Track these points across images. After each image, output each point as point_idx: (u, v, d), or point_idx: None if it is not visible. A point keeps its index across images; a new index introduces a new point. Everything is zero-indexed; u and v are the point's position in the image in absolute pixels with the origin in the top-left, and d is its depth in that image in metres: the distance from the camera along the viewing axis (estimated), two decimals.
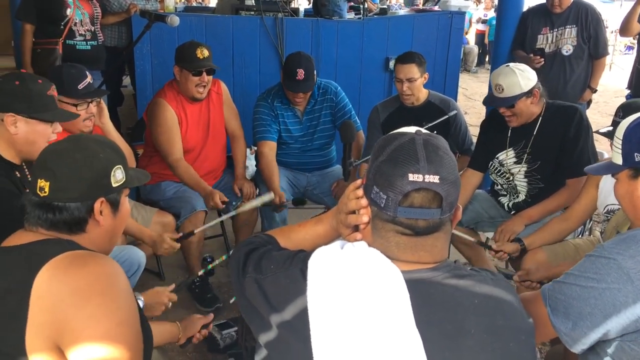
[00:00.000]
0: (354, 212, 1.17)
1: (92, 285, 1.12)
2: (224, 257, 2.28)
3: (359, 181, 1.17)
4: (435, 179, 1.02)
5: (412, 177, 1.02)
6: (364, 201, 1.12)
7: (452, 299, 1.04)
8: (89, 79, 2.31)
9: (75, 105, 2.25)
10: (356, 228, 1.18)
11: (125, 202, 1.36)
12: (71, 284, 1.11)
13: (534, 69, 2.57)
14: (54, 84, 1.95)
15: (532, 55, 3.76)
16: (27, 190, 1.78)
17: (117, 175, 1.30)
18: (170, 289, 1.96)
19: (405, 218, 1.04)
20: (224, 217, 2.75)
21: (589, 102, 4.03)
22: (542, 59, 3.73)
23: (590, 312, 1.21)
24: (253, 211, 3.10)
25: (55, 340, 1.09)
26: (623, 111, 2.12)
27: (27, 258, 1.17)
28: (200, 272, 2.44)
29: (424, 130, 1.10)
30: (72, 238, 1.26)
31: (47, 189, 1.23)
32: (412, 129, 1.10)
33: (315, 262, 1.07)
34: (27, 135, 1.78)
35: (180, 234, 2.53)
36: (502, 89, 2.45)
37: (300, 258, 1.12)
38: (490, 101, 2.58)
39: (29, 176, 1.89)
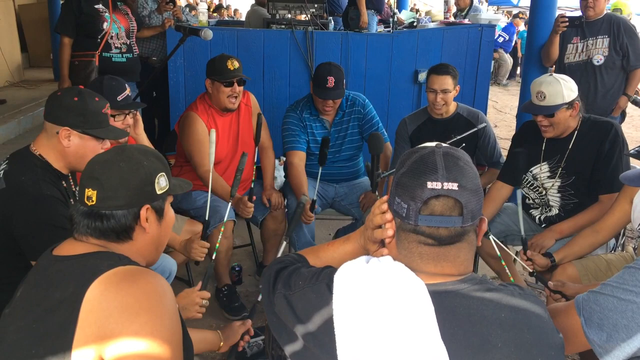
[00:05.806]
0: (380, 227, 1.18)
1: (141, 302, 1.13)
2: (222, 228, 2.51)
3: (385, 197, 1.18)
4: (454, 186, 1.03)
5: (430, 184, 1.03)
6: (388, 215, 1.13)
7: (477, 312, 1.04)
8: (127, 92, 2.40)
9: (113, 116, 2.32)
10: (383, 244, 1.19)
11: (170, 210, 1.38)
12: (120, 300, 1.12)
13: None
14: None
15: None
16: (72, 201, 1.85)
17: (161, 183, 1.32)
18: (197, 288, 1.97)
19: (426, 227, 1.05)
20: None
21: (624, 115, 3.94)
22: (567, 21, 3.65)
23: (626, 325, 1.18)
24: (281, 221, 3.12)
25: (100, 353, 1.11)
26: None
27: (80, 270, 1.18)
28: (213, 257, 2.39)
29: (444, 144, 1.11)
30: (120, 247, 1.28)
31: (94, 198, 1.25)
32: (433, 143, 1.12)
33: (341, 276, 1.08)
34: (78, 149, 1.86)
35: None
36: (544, 97, 2.43)
37: (327, 273, 1.14)
38: (530, 108, 2.52)
39: (73, 187, 1.96)
